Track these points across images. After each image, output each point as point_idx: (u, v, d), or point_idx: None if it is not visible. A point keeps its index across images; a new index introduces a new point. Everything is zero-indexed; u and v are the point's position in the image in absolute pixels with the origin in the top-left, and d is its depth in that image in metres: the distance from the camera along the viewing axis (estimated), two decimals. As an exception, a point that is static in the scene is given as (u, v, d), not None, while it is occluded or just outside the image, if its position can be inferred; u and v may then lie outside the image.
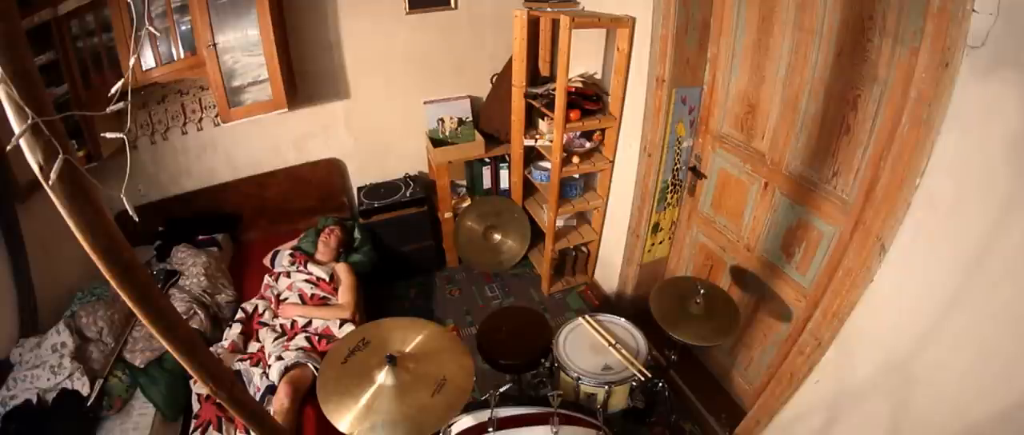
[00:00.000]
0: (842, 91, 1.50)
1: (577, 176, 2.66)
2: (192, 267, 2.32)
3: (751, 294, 2.04)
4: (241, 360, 1.94)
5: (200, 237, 2.58)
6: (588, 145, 2.59)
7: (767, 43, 1.74)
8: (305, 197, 2.93)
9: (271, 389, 1.79)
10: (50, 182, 0.50)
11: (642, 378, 1.62)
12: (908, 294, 1.24)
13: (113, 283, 0.59)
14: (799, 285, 1.79)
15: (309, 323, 2.11)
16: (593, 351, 1.73)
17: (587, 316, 1.84)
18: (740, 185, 1.98)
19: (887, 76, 1.36)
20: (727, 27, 1.90)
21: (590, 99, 2.42)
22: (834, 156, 1.57)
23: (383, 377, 1.20)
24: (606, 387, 1.60)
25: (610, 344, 1.73)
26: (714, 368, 2.36)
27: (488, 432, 1.46)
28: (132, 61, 0.91)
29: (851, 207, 1.53)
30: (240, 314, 2.21)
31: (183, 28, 2.14)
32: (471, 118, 2.97)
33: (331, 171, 2.97)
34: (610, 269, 2.78)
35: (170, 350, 0.68)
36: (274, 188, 2.87)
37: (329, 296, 2.25)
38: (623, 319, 1.84)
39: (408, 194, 2.89)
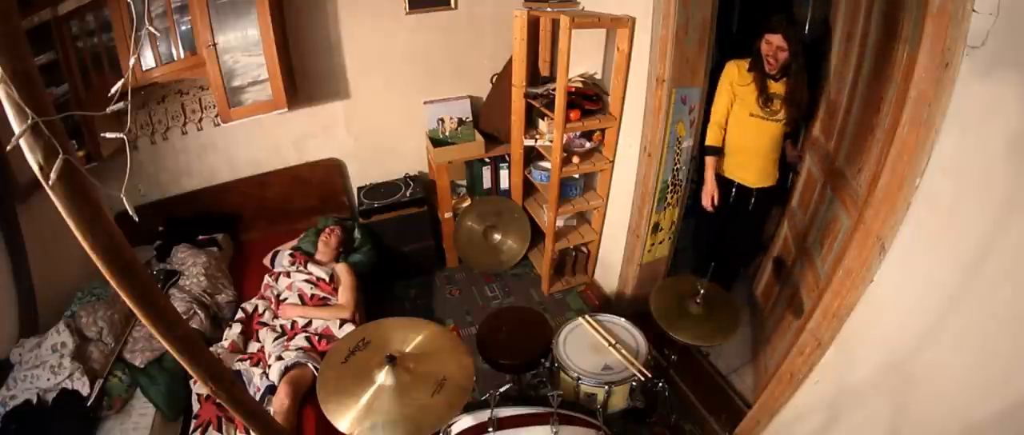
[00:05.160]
0: (874, 94, 1.63)
1: (577, 176, 2.66)
2: (192, 267, 2.32)
3: (791, 285, 2.15)
4: (241, 360, 1.94)
5: (200, 237, 2.58)
6: (588, 145, 2.59)
7: (849, 58, 1.92)
8: (305, 197, 2.93)
9: (271, 389, 1.79)
10: (50, 182, 0.50)
11: (642, 378, 1.62)
12: (908, 294, 1.24)
13: (113, 283, 0.58)
14: (819, 276, 1.86)
15: (309, 323, 2.11)
16: (593, 351, 1.73)
17: (587, 316, 1.84)
18: (812, 181, 2.16)
19: (897, 77, 1.39)
20: (831, 49, 2.09)
21: (590, 99, 2.42)
22: (862, 155, 1.69)
23: (383, 377, 1.20)
24: (606, 387, 1.60)
25: (610, 344, 1.73)
26: (751, 348, 2.43)
27: (488, 432, 1.46)
28: (132, 61, 0.91)
29: (860, 202, 1.57)
30: (240, 314, 2.21)
31: (183, 28, 2.14)
32: (471, 118, 2.97)
33: (331, 171, 2.97)
34: (610, 269, 2.78)
35: (170, 350, 0.67)
36: (274, 188, 2.87)
37: (329, 296, 2.25)
38: (623, 319, 1.84)
39: (408, 194, 2.89)
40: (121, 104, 0.62)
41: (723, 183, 2.29)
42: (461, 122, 2.95)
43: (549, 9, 2.48)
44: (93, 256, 0.56)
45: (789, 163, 2.36)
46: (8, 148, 0.49)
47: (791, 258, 2.24)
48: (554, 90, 2.37)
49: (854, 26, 1.89)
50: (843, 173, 1.84)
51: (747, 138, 2.18)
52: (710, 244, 2.55)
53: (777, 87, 2.06)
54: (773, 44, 1.97)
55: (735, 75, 2.14)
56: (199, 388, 1.88)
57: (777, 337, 2.14)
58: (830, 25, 2.13)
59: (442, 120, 2.93)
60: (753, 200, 2.29)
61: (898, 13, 1.50)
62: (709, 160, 2.28)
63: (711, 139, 2.25)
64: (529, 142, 2.74)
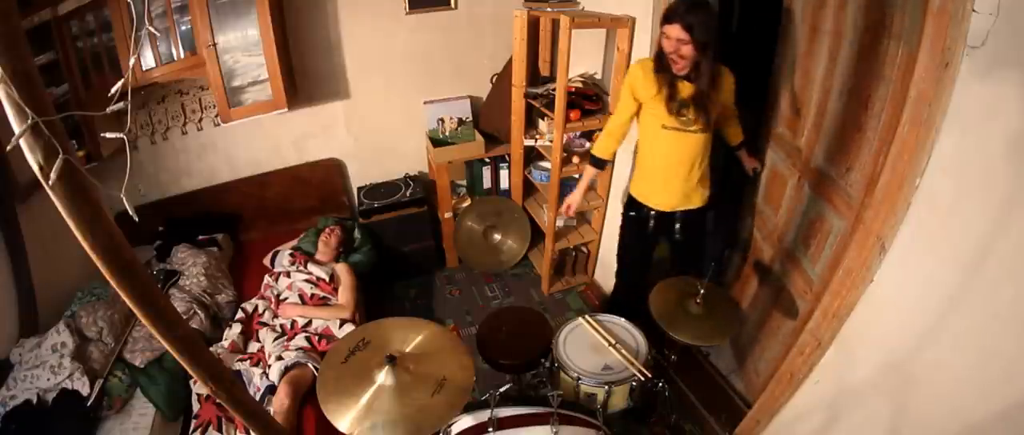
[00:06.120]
0: (859, 90, 1.56)
1: (577, 176, 2.66)
2: (192, 267, 2.32)
3: (772, 286, 2.09)
4: (241, 360, 1.94)
5: (200, 237, 2.58)
6: (588, 145, 2.59)
7: (813, 49, 1.81)
8: (305, 197, 2.93)
9: (271, 389, 1.79)
10: (50, 182, 0.50)
11: (642, 378, 1.62)
12: (908, 294, 1.24)
13: (113, 283, 0.58)
14: (809, 278, 1.83)
15: (309, 323, 2.11)
16: (593, 351, 1.73)
17: (587, 316, 1.84)
18: (781, 179, 2.05)
19: (891, 75, 1.38)
20: (790, 38, 1.98)
21: (590, 99, 2.42)
22: (848, 152, 1.62)
23: (383, 377, 1.20)
24: (606, 387, 1.60)
25: (610, 344, 1.73)
26: (739, 352, 2.39)
27: (488, 432, 1.46)
28: (132, 61, 0.91)
29: (855, 202, 1.56)
30: (240, 314, 2.21)
31: (183, 28, 2.14)
32: (471, 118, 2.97)
33: (331, 171, 2.97)
34: (610, 269, 2.77)
35: (170, 350, 0.67)
36: (274, 188, 2.87)
37: (329, 296, 2.25)
38: (623, 319, 1.84)
39: (408, 194, 2.89)
40: (121, 104, 0.62)
41: (639, 209, 2.01)
42: (461, 122, 2.95)
43: (549, 9, 2.48)
44: (93, 256, 0.56)
45: (749, 173, 2.15)
46: (8, 148, 0.49)
47: (769, 258, 2.14)
48: (554, 90, 2.37)
49: (820, 19, 1.76)
50: (827, 173, 1.76)
51: (659, 155, 1.85)
52: (636, 269, 2.25)
53: (689, 90, 1.72)
54: (672, 37, 1.61)
55: (639, 80, 1.78)
56: (199, 388, 1.88)
57: (766, 338, 2.11)
58: (788, 13, 1.93)
59: (442, 120, 2.93)
60: (678, 226, 1.95)
61: (883, 8, 1.44)
62: (589, 170, 2.04)
63: (598, 149, 2.00)
64: (529, 142, 2.74)
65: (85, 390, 1.71)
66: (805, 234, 1.89)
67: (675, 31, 1.60)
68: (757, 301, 2.23)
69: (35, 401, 1.66)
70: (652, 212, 1.97)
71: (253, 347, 2.06)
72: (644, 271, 2.19)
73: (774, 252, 2.11)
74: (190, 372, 0.72)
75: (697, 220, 1.97)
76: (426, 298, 2.97)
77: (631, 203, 2.04)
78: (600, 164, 2.05)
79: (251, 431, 0.88)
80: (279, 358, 1.87)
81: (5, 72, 0.45)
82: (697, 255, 2.09)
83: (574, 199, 2.12)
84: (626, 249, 2.25)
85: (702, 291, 1.66)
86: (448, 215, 2.98)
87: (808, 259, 1.86)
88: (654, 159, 1.89)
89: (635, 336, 1.78)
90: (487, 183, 3.05)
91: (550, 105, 2.42)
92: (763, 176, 2.18)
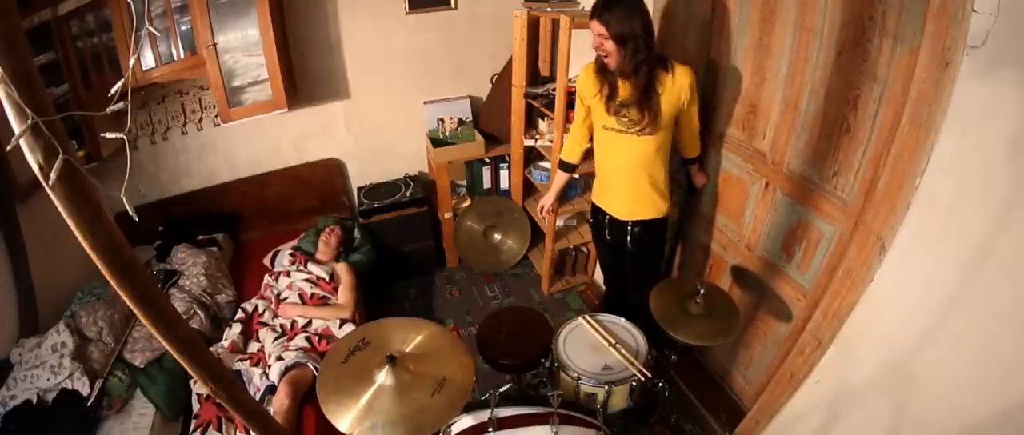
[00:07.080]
0: (843, 91, 1.50)
1: (577, 176, 2.66)
2: (192, 267, 2.32)
3: (751, 294, 2.04)
4: (241, 360, 1.94)
5: (200, 237, 2.58)
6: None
7: (768, 43, 1.73)
8: (305, 197, 2.93)
9: (271, 389, 1.79)
10: (50, 182, 0.50)
11: (642, 378, 1.62)
12: (908, 294, 1.24)
13: (113, 283, 0.58)
14: (799, 285, 1.79)
15: (309, 323, 2.11)
16: (593, 351, 1.73)
17: (587, 316, 1.84)
18: (741, 185, 1.97)
19: (887, 76, 1.36)
20: (728, 27, 1.89)
21: (590, 99, 2.41)
22: (834, 156, 1.57)
23: (383, 377, 1.20)
24: (606, 387, 1.60)
25: (610, 344, 1.73)
26: (715, 367, 2.36)
27: (488, 432, 1.46)
28: (132, 61, 0.91)
29: (851, 207, 1.53)
30: (240, 314, 2.21)
31: (183, 28, 2.14)
32: (471, 118, 2.97)
33: (331, 171, 2.97)
34: (610, 269, 2.77)
35: (170, 350, 0.67)
36: (274, 188, 2.87)
37: (329, 296, 2.25)
38: (623, 319, 1.83)
39: (408, 194, 2.89)
40: (121, 104, 0.62)
41: (596, 215, 2.03)
42: (461, 122, 2.95)
43: (549, 9, 2.48)
44: (93, 256, 0.56)
45: (697, 187, 2.11)
46: (8, 148, 0.49)
47: (738, 267, 2.07)
48: (554, 90, 2.37)
49: (775, 11, 1.66)
50: (809, 177, 1.67)
51: (604, 158, 1.84)
52: (614, 275, 2.24)
53: (629, 89, 1.65)
54: (595, 33, 1.60)
55: (582, 81, 1.77)
56: (199, 388, 1.88)
57: (753, 345, 2.08)
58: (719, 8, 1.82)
59: (442, 120, 2.93)
60: (629, 238, 1.90)
61: (872, 3, 1.36)
62: (559, 175, 2.10)
63: (563, 153, 2.04)
64: (529, 142, 2.74)
65: (85, 390, 1.71)
66: (787, 242, 1.79)
67: (595, 26, 1.59)
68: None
69: (35, 401, 1.66)
70: (607, 217, 1.95)
71: (253, 347, 2.06)
72: (621, 277, 2.16)
73: (742, 261, 2.04)
74: (190, 372, 0.72)
75: (650, 233, 1.89)
76: (426, 298, 2.97)
77: (592, 210, 2.05)
78: (568, 168, 2.06)
79: (251, 431, 0.88)
80: (279, 358, 1.87)
81: (5, 72, 0.45)
82: (648, 272, 2.00)
83: (547, 200, 2.18)
84: (599, 256, 2.28)
85: (702, 291, 1.66)
86: (448, 215, 2.98)
87: (793, 267, 1.79)
88: (602, 162, 1.88)
89: (635, 336, 1.78)
90: (487, 183, 3.05)
91: (550, 105, 2.42)
92: (715, 182, 2.08)
